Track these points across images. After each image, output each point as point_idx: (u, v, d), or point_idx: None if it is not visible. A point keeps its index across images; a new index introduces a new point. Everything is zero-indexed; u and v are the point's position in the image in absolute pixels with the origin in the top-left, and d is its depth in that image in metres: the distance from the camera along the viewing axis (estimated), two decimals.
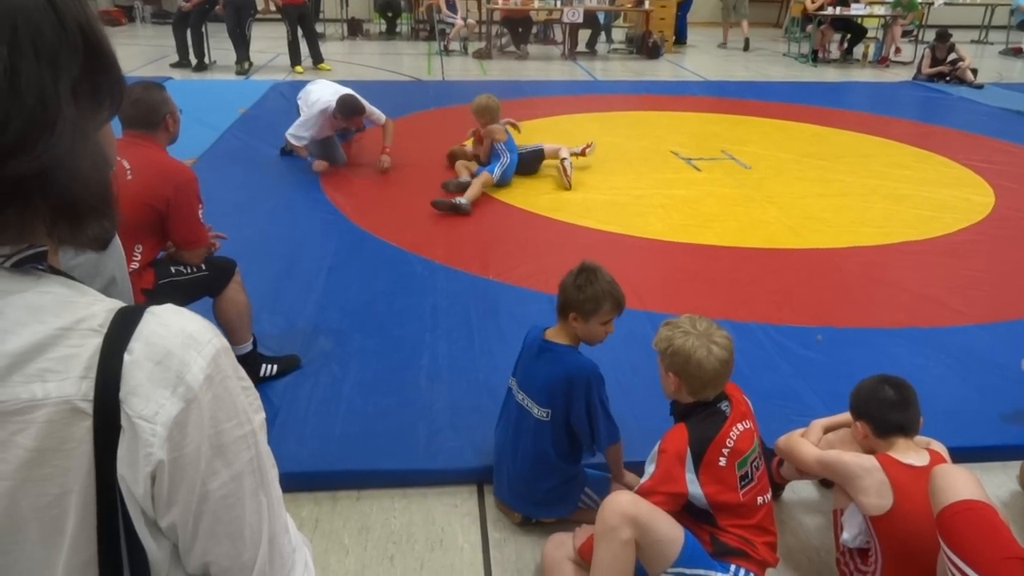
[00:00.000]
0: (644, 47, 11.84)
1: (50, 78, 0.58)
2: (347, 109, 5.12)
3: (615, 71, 10.74)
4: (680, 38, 13.04)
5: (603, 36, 12.72)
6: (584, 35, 12.27)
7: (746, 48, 12.81)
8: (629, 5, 12.04)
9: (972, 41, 13.71)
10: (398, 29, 13.57)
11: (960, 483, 1.74)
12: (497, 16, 11.69)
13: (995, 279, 4.01)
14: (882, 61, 11.77)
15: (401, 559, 2.19)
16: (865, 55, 11.85)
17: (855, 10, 11.40)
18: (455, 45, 12.02)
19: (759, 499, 1.96)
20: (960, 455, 2.21)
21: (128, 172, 2.50)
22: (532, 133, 6.07)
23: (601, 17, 12.45)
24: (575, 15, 11.18)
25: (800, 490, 2.50)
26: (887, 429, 2.01)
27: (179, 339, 0.63)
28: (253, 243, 3.98)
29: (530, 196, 5.11)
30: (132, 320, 0.62)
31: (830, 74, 10.87)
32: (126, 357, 0.60)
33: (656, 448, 1.98)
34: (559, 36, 12.56)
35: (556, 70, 10.75)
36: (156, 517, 0.64)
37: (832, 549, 2.14)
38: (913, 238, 4.54)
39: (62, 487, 0.60)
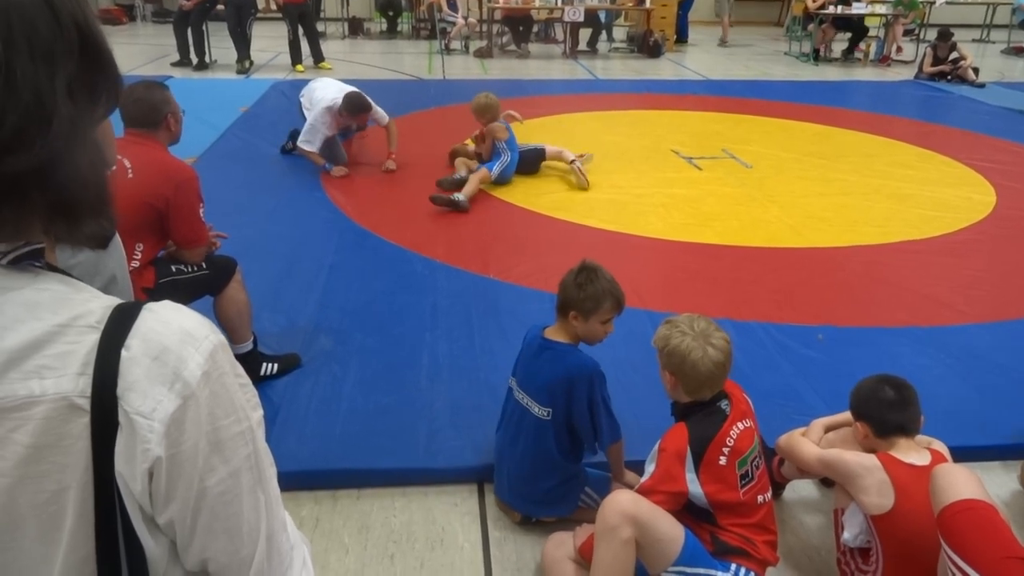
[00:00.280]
0: (645, 46, 11.83)
1: (46, 75, 0.57)
2: (353, 106, 5.12)
3: (616, 70, 10.73)
4: (681, 37, 13.04)
5: (604, 35, 12.73)
6: (585, 34, 12.26)
7: (720, 44, 12.99)
8: (630, 4, 12.02)
9: (974, 40, 13.68)
10: (399, 28, 13.59)
11: (961, 482, 1.73)
12: (498, 15, 11.70)
13: (997, 278, 4.01)
14: (883, 60, 11.76)
15: (401, 558, 2.19)
16: (866, 54, 11.84)
17: (856, 9, 11.39)
18: (456, 44, 12.03)
19: (759, 498, 1.96)
20: (961, 454, 2.20)
21: (129, 171, 2.50)
22: (533, 132, 6.07)
23: (602, 16, 12.45)
24: (576, 14, 11.17)
25: (801, 489, 2.50)
26: (887, 430, 2.01)
27: (176, 335, 0.63)
28: (254, 242, 3.98)
29: (531, 195, 5.11)
30: (129, 316, 0.62)
31: (831, 73, 10.86)
32: (123, 353, 0.60)
33: (656, 447, 1.98)
34: (560, 35, 12.57)
35: (557, 69, 10.75)
36: (154, 513, 0.64)
37: (833, 548, 2.13)
38: (914, 237, 4.54)
39: (60, 483, 0.60)
